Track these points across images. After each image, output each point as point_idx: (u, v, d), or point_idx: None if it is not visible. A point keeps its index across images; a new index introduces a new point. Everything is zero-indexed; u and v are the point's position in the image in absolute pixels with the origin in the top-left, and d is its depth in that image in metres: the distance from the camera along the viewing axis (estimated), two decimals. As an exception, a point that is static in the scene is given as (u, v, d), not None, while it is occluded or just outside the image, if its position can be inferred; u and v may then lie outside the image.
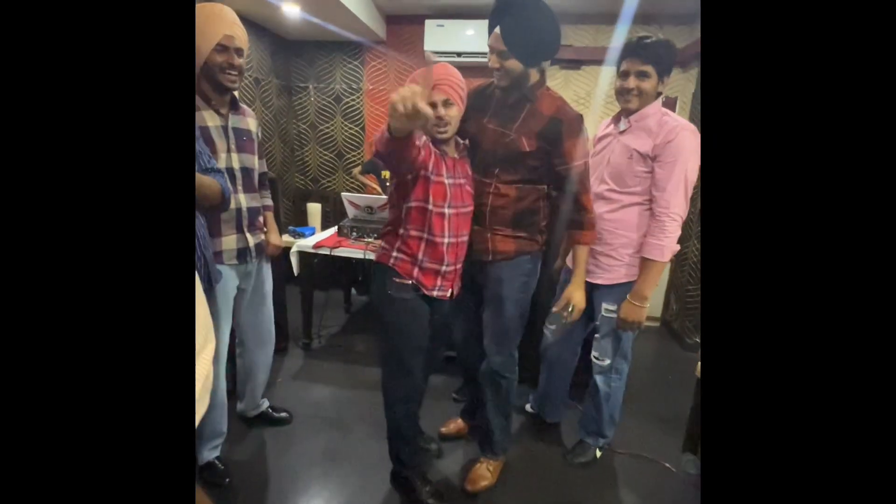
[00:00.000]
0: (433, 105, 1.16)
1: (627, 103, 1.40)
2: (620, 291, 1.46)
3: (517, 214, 1.34)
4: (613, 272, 1.47)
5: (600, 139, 1.55)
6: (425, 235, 1.24)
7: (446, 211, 1.23)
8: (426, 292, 1.28)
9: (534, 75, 1.27)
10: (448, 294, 1.33)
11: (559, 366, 1.81)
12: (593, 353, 1.60)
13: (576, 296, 1.38)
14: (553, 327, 1.77)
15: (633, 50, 1.35)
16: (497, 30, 1.18)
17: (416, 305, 1.29)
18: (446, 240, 1.24)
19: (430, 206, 1.20)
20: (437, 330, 1.40)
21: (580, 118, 1.26)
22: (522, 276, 1.40)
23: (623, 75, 1.40)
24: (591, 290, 1.56)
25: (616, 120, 1.48)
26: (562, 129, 1.24)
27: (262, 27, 2.95)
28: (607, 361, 1.56)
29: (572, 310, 1.39)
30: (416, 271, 1.26)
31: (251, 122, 1.52)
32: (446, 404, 2.04)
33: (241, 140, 1.45)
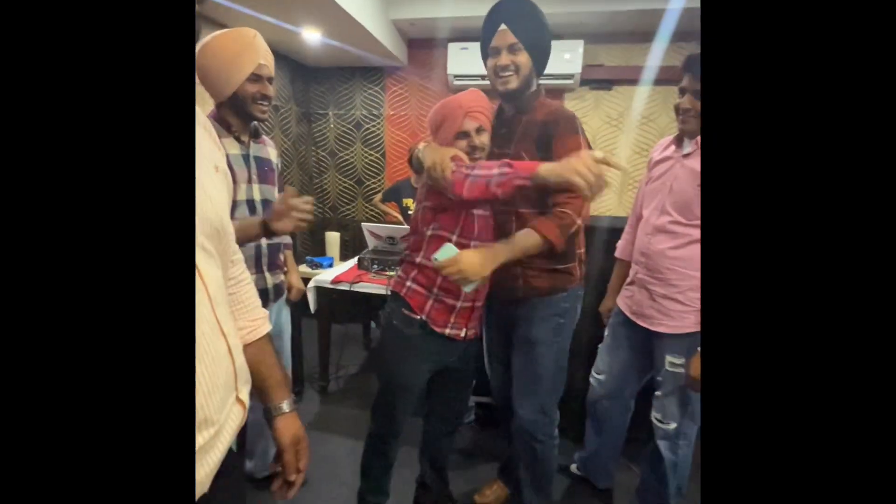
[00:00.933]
0: (467, 133, 1.12)
1: (684, 125, 1.23)
2: (689, 342, 1.24)
3: None
4: (680, 319, 1.25)
5: (658, 163, 1.35)
6: None
7: (472, 244, 1.15)
8: (437, 329, 1.17)
9: (534, 80, 1.19)
10: (462, 334, 1.20)
11: (610, 421, 1.57)
12: (654, 415, 1.36)
13: (465, 259, 0.98)
14: (602, 377, 1.54)
15: (691, 65, 1.18)
16: (503, 26, 1.12)
17: (418, 344, 1.18)
18: None
19: (455, 238, 1.14)
20: (449, 374, 1.28)
21: (573, 116, 1.15)
22: (557, 318, 1.24)
23: (680, 92, 1.22)
24: (652, 338, 1.34)
25: (678, 141, 1.29)
26: (552, 128, 1.13)
27: (281, 54, 2.89)
28: (672, 425, 1.32)
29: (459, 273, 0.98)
30: (428, 305, 1.17)
31: (272, 152, 1.39)
32: (482, 465, 1.80)
33: (263, 170, 1.32)
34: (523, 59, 1.12)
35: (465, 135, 1.12)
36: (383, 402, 1.29)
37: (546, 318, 1.23)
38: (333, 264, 2.70)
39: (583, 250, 1.27)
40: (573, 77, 2.75)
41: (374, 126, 3.28)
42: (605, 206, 3.04)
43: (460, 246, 1.13)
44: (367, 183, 3.38)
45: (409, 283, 1.19)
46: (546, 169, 0.92)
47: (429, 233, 1.17)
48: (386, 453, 1.34)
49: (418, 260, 1.18)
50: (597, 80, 2.86)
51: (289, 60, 2.99)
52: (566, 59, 2.71)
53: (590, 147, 1.10)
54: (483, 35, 1.16)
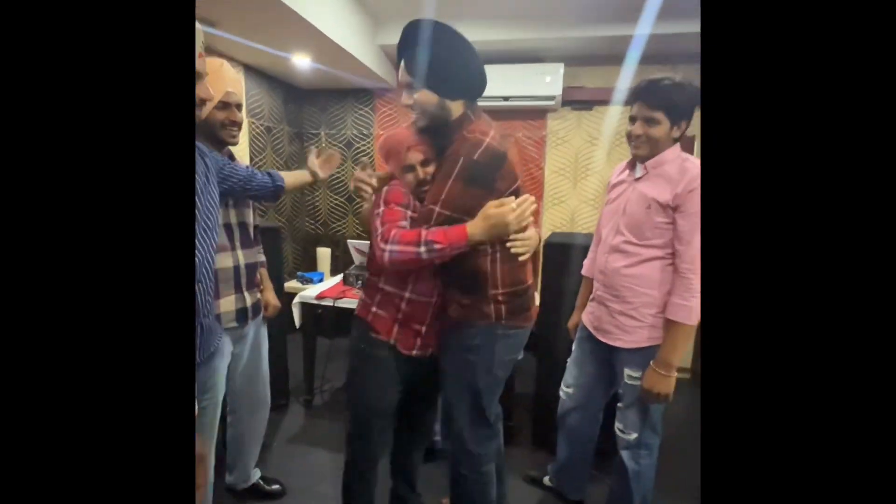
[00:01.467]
0: (412, 167, 1.13)
1: (636, 150, 1.30)
2: (644, 356, 1.30)
3: (458, 275, 1.13)
4: (635, 334, 1.31)
5: (614, 186, 1.43)
6: (407, 294, 1.17)
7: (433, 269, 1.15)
8: (404, 352, 1.19)
9: (455, 109, 1.08)
10: (428, 353, 1.23)
11: (579, 434, 1.62)
12: (617, 426, 1.41)
13: None
14: (570, 390, 1.60)
15: (640, 94, 1.25)
16: (402, 63, 1.07)
17: (389, 365, 1.20)
18: (434, 299, 1.19)
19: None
20: (417, 391, 1.30)
21: (455, 162, 1.03)
22: (465, 352, 1.16)
23: (631, 120, 1.29)
24: (612, 353, 1.40)
25: (631, 165, 1.37)
26: (439, 168, 1.07)
27: (274, 77, 3.01)
28: (634, 435, 1.37)
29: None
30: (395, 330, 1.19)
31: None
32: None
33: None
34: (423, 96, 1.06)
35: (411, 168, 1.13)
36: (359, 429, 1.27)
37: (454, 350, 1.18)
38: (324, 279, 2.78)
39: (502, 290, 1.13)
40: (555, 98, 2.84)
41: (364, 145, 3.38)
42: (589, 224, 3.11)
43: (423, 272, 1.16)
44: (358, 201, 3.47)
45: (374, 309, 1.20)
46: (477, 230, 1.03)
47: None
48: (368, 479, 1.34)
49: (381, 285, 1.19)
50: (578, 101, 2.96)
51: (281, 83, 3.11)
52: (547, 81, 2.82)
53: (472, 182, 1.03)
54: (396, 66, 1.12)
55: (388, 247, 1.03)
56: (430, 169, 1.14)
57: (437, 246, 1.02)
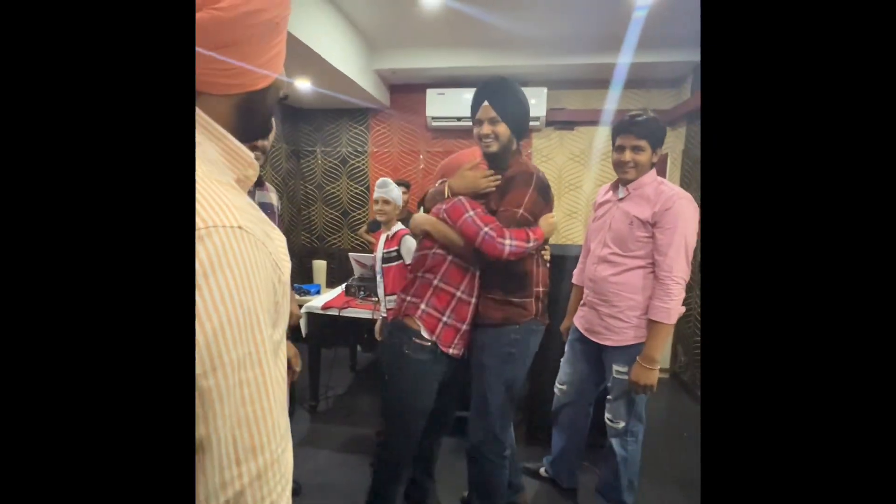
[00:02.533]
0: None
1: (625, 174, 1.49)
2: (630, 353, 1.48)
3: (507, 277, 1.33)
4: (622, 334, 1.50)
5: (600, 205, 1.63)
6: (458, 293, 1.31)
7: (478, 272, 1.33)
8: (443, 349, 1.31)
9: (513, 144, 1.37)
10: (461, 353, 1.36)
11: (572, 427, 1.78)
12: (607, 416, 1.59)
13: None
14: (564, 387, 1.76)
15: (626, 127, 1.46)
16: (486, 102, 1.33)
17: (430, 367, 1.31)
18: (474, 299, 1.33)
19: (473, 266, 1.32)
20: (446, 387, 1.41)
21: (531, 174, 1.32)
22: (507, 347, 1.34)
23: (619, 149, 1.49)
24: (601, 350, 1.58)
25: (615, 187, 1.57)
26: (511, 183, 1.33)
27: (273, 98, 3.13)
28: (622, 424, 1.55)
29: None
30: (440, 327, 1.30)
31: (273, 196, 1.60)
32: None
33: (266, 213, 1.52)
34: (501, 129, 1.31)
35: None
36: (401, 430, 1.36)
37: (496, 347, 1.34)
38: (321, 291, 2.89)
39: (541, 289, 1.38)
40: (539, 119, 3.07)
41: (358, 162, 3.53)
42: (571, 234, 3.33)
43: (473, 274, 1.33)
44: (353, 214, 3.61)
45: (423, 307, 1.30)
46: (545, 232, 1.33)
47: (450, 257, 1.31)
48: (401, 476, 1.43)
49: (436, 282, 1.30)
50: (560, 121, 3.19)
51: (280, 104, 3.24)
52: (532, 103, 3.02)
53: (542, 195, 1.32)
54: (471, 108, 1.37)
55: (509, 241, 1.23)
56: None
57: (538, 242, 1.29)
